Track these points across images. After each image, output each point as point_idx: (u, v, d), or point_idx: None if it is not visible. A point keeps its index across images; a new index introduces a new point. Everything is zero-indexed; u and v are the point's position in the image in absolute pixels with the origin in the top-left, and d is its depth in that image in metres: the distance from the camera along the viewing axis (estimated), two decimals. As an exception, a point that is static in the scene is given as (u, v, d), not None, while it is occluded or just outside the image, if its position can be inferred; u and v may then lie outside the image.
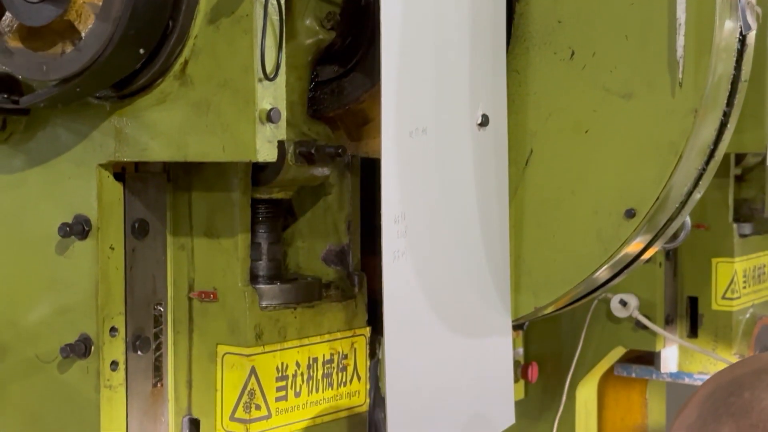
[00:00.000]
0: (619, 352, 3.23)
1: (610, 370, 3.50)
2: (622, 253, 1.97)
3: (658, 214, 1.95)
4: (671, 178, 1.88)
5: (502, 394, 1.98)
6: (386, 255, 1.60)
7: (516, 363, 3.24)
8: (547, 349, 3.29)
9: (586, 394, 3.30)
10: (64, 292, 1.63)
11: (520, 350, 3.27)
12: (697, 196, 2.01)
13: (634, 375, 3.40)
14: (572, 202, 1.97)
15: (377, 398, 3.29)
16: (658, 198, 1.89)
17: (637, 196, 1.90)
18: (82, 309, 1.61)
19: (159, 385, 1.68)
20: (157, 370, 1.68)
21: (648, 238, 2.02)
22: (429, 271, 1.74)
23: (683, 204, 1.99)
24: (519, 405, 3.26)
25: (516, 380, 3.25)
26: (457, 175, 1.84)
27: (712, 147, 1.95)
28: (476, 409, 1.90)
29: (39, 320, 1.65)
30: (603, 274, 2.01)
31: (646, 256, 2.10)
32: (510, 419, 2.00)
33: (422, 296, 1.73)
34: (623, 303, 3.11)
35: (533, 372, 3.23)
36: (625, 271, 2.08)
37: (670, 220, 2.02)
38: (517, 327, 3.24)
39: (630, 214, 1.91)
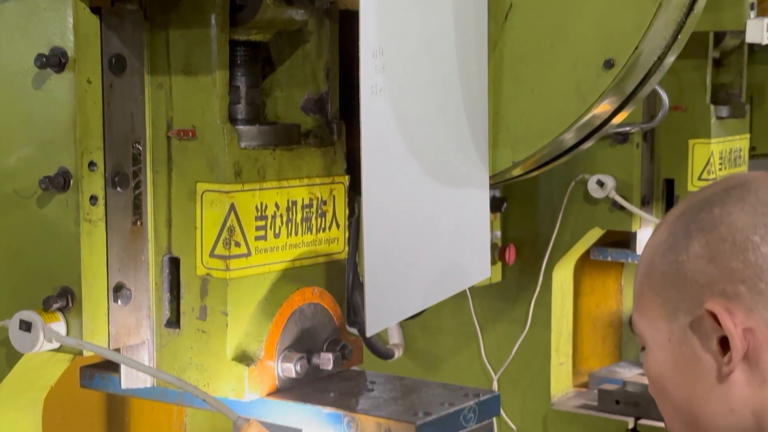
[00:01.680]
0: (595, 234, 3.27)
1: (587, 255, 3.55)
2: (598, 108, 1.98)
3: (631, 73, 1.95)
4: (651, 26, 1.88)
5: (479, 246, 2.00)
6: (364, 89, 1.60)
7: (493, 246, 3.27)
8: (524, 232, 3.33)
9: (563, 276, 3.34)
10: (41, 127, 1.62)
11: (498, 233, 3.31)
12: (671, 59, 2.01)
13: (609, 258, 3.45)
14: (551, 55, 1.97)
15: (356, 282, 3.34)
16: (637, 47, 1.89)
17: (617, 46, 1.90)
18: (60, 143, 1.61)
19: (139, 223, 1.69)
20: (137, 208, 1.69)
21: (617, 101, 2.02)
22: (407, 112, 1.75)
23: (660, 59, 1.99)
24: (496, 287, 3.32)
25: (493, 263, 3.28)
26: (436, 23, 1.84)
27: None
28: (452, 258, 1.92)
29: (17, 155, 1.65)
30: (570, 137, 2.02)
31: (615, 121, 2.10)
32: (485, 272, 2.02)
33: (400, 136, 1.73)
34: (600, 183, 3.14)
35: (510, 254, 3.27)
36: (592, 137, 2.08)
37: (643, 82, 2.02)
38: (495, 209, 3.27)
39: (609, 64, 1.91)
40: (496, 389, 3.37)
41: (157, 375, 1.69)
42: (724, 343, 1.31)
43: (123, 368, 1.79)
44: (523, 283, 3.34)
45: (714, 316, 1.30)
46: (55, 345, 1.62)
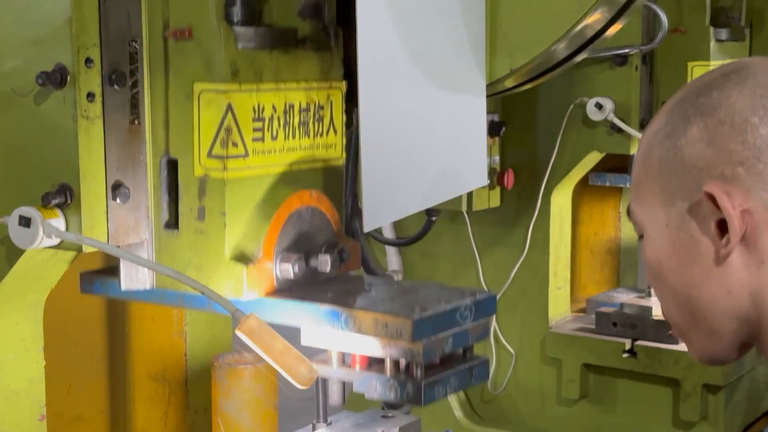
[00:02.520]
0: (594, 158, 3.27)
1: (585, 183, 3.56)
2: (591, 17, 1.98)
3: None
4: (649, -72, 1.88)
5: (475, 153, 2.00)
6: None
7: (492, 170, 3.28)
8: (522, 156, 3.33)
9: (561, 200, 3.35)
10: (37, 22, 1.62)
11: (497, 158, 3.31)
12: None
13: (608, 183, 3.46)
14: (549, -40, 1.97)
15: (354, 207, 3.35)
16: (635, -50, 1.89)
17: (614, -50, 1.91)
18: (56, 39, 1.61)
19: (136, 122, 1.70)
20: (134, 107, 1.69)
21: (611, 11, 2.02)
22: (404, 11, 1.74)
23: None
24: (494, 213, 3.34)
25: (492, 187, 3.29)
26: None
27: None
28: (449, 163, 1.93)
29: (13, 53, 1.65)
30: (563, 48, 2.02)
31: (608, 32, 2.10)
32: (482, 180, 2.03)
33: (396, 36, 1.73)
34: (599, 106, 3.14)
35: (509, 178, 3.28)
36: (583, 51, 2.08)
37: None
38: (493, 133, 3.27)
39: None
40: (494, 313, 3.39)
41: (154, 268, 1.71)
42: (722, 226, 1.31)
43: (122, 270, 1.81)
44: (522, 207, 3.36)
45: (712, 199, 1.30)
46: (55, 241, 1.63)
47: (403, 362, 1.72)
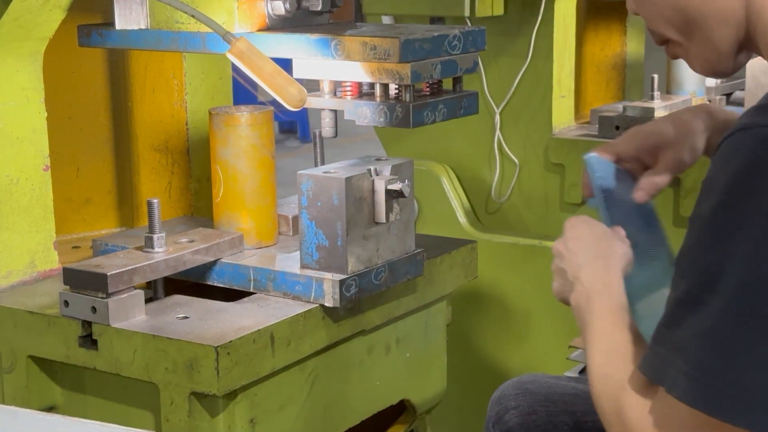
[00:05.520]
0: (598, -38, 3.24)
1: (592, -6, 3.54)
2: None
3: None
4: None
5: None
6: None
7: (495, -23, 3.26)
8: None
9: (565, 6, 3.33)
10: None
11: (499, -41, 3.28)
12: None
13: (614, -12, 3.43)
14: None
15: None
16: None
17: None
18: None
19: None
20: None
21: None
22: None
23: None
24: (498, 21, 3.33)
25: (495, -6, 3.28)
26: None
27: None
28: None
29: None
30: None
31: None
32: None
33: None
34: None
35: (512, -18, 3.26)
36: None
37: None
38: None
39: None
40: (498, 123, 3.42)
41: (146, -9, 1.73)
42: None
43: (116, 9, 1.83)
44: (525, 15, 3.34)
45: None
46: (47, -30, 1.66)
47: (393, 89, 1.76)
